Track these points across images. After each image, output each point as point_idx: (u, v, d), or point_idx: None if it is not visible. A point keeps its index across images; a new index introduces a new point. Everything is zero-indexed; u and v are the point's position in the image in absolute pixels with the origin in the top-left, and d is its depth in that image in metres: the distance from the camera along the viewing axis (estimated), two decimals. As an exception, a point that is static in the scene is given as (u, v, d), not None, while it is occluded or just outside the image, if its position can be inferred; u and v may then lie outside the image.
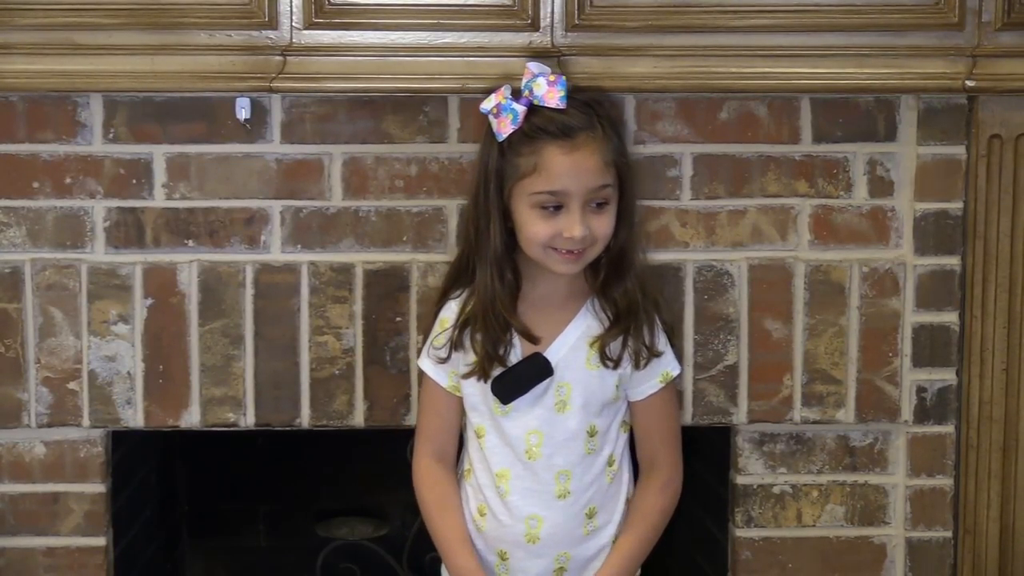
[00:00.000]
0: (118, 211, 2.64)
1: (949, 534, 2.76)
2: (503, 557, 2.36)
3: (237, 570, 3.49)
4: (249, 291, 2.66)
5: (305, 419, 2.68)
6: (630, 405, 2.42)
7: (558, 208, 2.26)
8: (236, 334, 2.66)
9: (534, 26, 2.59)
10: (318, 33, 2.58)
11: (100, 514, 2.70)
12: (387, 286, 2.65)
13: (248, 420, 2.68)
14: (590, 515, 2.36)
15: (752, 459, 2.74)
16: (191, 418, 2.67)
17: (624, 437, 2.42)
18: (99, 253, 2.65)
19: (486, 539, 2.37)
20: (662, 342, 2.40)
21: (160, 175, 2.64)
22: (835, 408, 2.71)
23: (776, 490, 2.75)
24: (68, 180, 2.63)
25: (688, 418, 2.70)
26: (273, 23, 2.57)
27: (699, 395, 2.69)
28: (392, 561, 3.23)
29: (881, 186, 2.69)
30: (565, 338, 2.34)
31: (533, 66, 2.32)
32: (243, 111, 2.60)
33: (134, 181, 2.64)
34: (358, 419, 2.68)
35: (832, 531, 2.76)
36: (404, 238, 2.66)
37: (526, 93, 2.31)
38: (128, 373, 2.66)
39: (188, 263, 2.65)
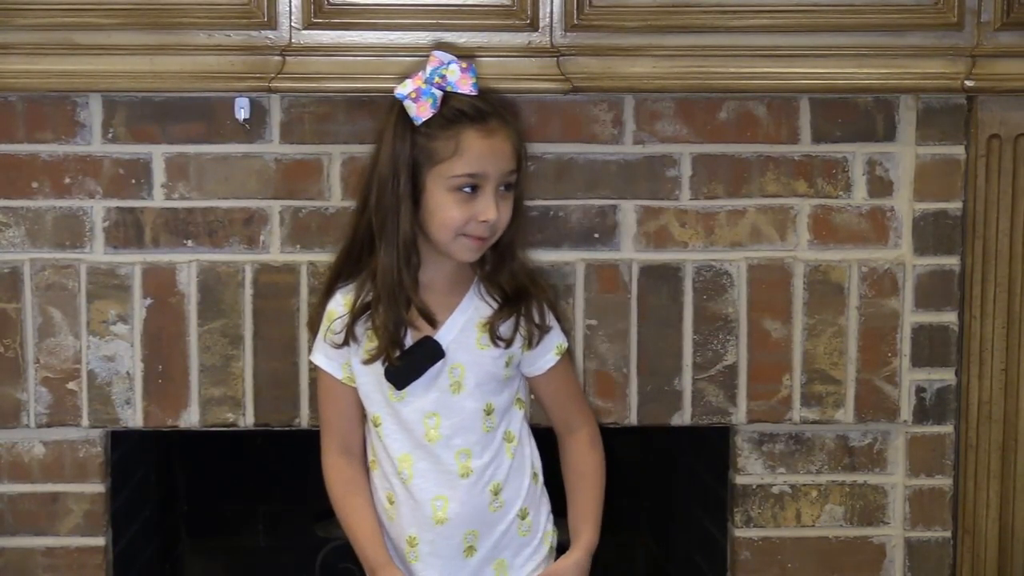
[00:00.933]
0: (117, 211, 2.64)
1: (948, 534, 2.76)
2: (412, 544, 2.37)
3: (236, 570, 3.49)
4: (248, 291, 2.66)
5: (304, 419, 2.68)
6: (530, 381, 2.43)
7: (474, 191, 2.28)
8: (235, 334, 2.66)
9: (533, 26, 2.59)
10: (317, 33, 2.58)
11: (99, 514, 2.70)
12: (386, 286, 2.65)
13: (247, 420, 2.68)
14: (495, 491, 2.38)
15: (751, 459, 2.74)
16: (190, 418, 2.67)
17: (520, 413, 2.44)
18: (98, 253, 2.65)
19: (397, 526, 2.38)
20: (549, 317, 2.42)
21: (159, 175, 2.64)
22: (834, 408, 2.71)
23: (775, 490, 2.75)
24: (67, 180, 2.63)
25: (687, 418, 2.70)
26: (272, 23, 2.57)
27: (698, 395, 2.69)
28: (391, 561, 3.22)
29: (880, 186, 2.69)
30: (454, 321, 2.36)
31: (440, 54, 2.32)
32: (242, 111, 2.60)
33: (133, 181, 2.64)
34: (357, 419, 2.68)
35: (831, 531, 2.76)
36: (403, 238, 2.66)
37: (437, 79, 2.31)
38: (127, 373, 2.66)
39: (187, 263, 2.65)
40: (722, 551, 2.82)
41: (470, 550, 2.38)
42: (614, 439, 2.61)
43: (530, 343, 2.39)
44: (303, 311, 2.65)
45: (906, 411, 2.72)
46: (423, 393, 2.35)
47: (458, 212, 2.28)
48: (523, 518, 2.41)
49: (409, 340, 2.35)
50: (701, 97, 2.65)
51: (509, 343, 2.37)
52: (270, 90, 2.58)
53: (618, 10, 2.59)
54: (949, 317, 2.71)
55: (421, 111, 2.29)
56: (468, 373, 2.36)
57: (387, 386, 2.35)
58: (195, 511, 3.45)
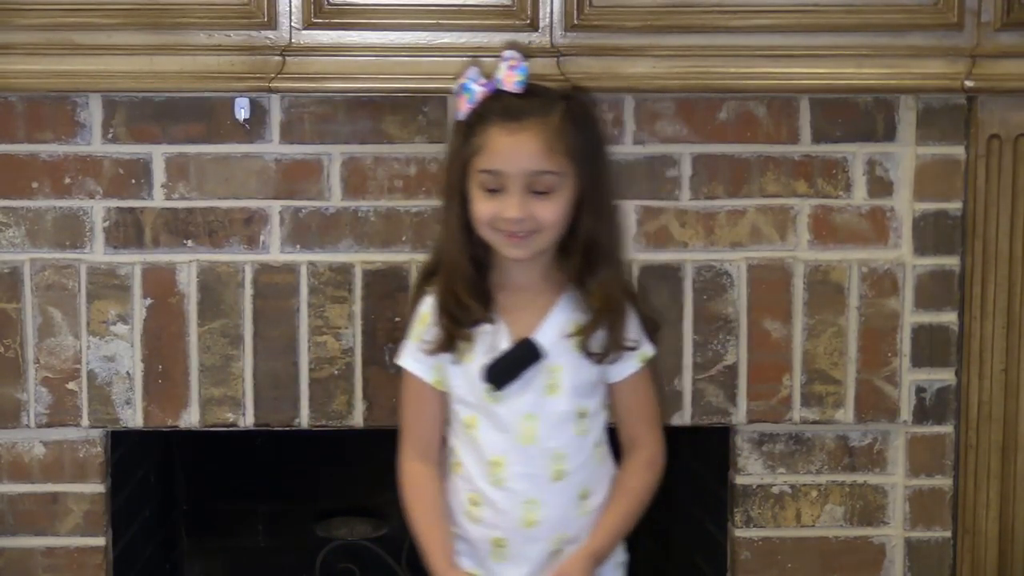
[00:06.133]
0: (117, 211, 2.64)
1: (948, 534, 2.76)
2: (499, 545, 2.36)
3: (236, 570, 3.49)
4: (248, 291, 2.66)
5: (304, 419, 2.68)
6: (609, 387, 2.42)
7: (499, 190, 2.28)
8: (235, 334, 2.66)
9: (533, 26, 2.59)
10: (317, 33, 2.58)
11: (99, 514, 2.70)
12: (386, 286, 2.66)
13: (247, 420, 2.68)
14: (583, 496, 2.37)
15: (751, 459, 2.74)
16: (190, 418, 2.67)
17: (605, 416, 2.42)
18: (98, 253, 2.65)
19: (483, 528, 2.37)
20: (635, 331, 2.40)
21: (159, 175, 2.64)
22: (834, 408, 2.71)
23: (775, 490, 2.75)
24: (67, 180, 2.63)
25: (687, 418, 2.70)
26: (272, 23, 2.57)
27: (698, 395, 2.69)
28: (391, 561, 3.23)
29: (880, 186, 2.69)
30: (552, 322, 2.35)
31: (506, 52, 2.33)
32: (242, 111, 2.61)
33: (133, 181, 2.64)
34: (357, 419, 2.68)
35: (831, 531, 2.76)
36: (403, 238, 2.66)
37: (490, 77, 2.33)
38: (127, 373, 2.66)
39: (187, 263, 2.65)
40: (722, 551, 2.82)
41: (556, 553, 2.36)
42: (613, 439, 2.61)
43: (616, 356, 2.37)
44: (303, 311, 2.65)
45: (906, 411, 2.72)
46: (519, 394, 2.33)
47: (485, 207, 2.29)
48: None
49: (506, 341, 2.33)
50: (701, 97, 2.65)
51: (602, 357, 2.36)
52: (270, 90, 2.58)
53: (618, 10, 2.60)
54: (949, 317, 2.71)
55: (460, 106, 2.32)
56: (564, 375, 2.34)
57: (482, 386, 2.34)
58: (194, 511, 3.45)
